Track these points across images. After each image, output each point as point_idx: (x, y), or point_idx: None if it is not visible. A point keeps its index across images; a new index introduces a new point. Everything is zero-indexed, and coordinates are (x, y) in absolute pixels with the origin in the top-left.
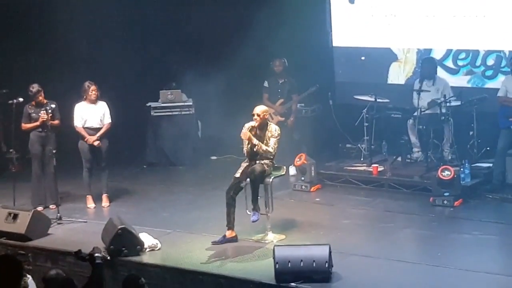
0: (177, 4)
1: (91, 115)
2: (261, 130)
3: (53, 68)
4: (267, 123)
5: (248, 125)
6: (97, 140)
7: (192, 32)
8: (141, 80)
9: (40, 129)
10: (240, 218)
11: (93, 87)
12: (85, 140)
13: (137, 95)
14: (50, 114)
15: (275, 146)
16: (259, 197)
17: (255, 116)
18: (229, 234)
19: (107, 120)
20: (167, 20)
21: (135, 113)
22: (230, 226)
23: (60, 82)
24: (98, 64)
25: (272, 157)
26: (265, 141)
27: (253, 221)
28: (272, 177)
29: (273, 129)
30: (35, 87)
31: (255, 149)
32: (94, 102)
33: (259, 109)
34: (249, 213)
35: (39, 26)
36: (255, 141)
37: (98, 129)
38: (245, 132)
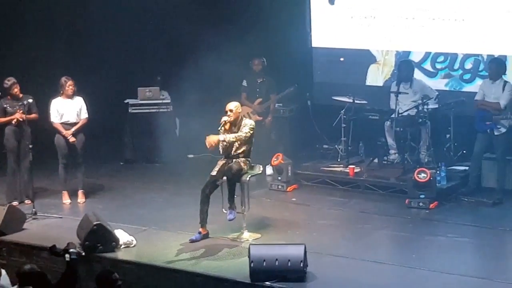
0: (158, 2)
1: (68, 110)
2: (235, 126)
3: (31, 62)
4: (241, 118)
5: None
6: (72, 136)
7: (172, 30)
8: (120, 77)
9: (15, 124)
10: (216, 217)
11: (70, 82)
12: (62, 135)
13: (115, 91)
14: (25, 113)
15: (248, 133)
16: (235, 196)
17: (229, 112)
18: (202, 231)
19: (84, 115)
20: (147, 17)
21: (113, 109)
22: (203, 223)
23: (38, 77)
24: (77, 60)
25: (245, 138)
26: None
27: (230, 220)
28: (249, 176)
29: (248, 122)
30: (10, 80)
31: (225, 143)
32: (70, 97)
33: (232, 104)
34: (225, 211)
35: (18, 21)
36: (221, 137)
37: (75, 124)
38: (210, 141)
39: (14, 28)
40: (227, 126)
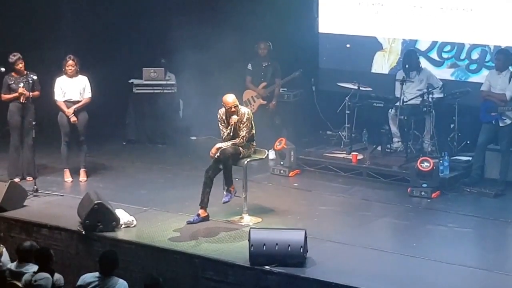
0: None
1: (71, 88)
2: (231, 117)
3: (37, 40)
4: (238, 107)
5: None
6: (74, 115)
7: (178, 11)
8: (125, 56)
9: (20, 100)
10: (217, 199)
11: (69, 62)
12: (64, 113)
13: (120, 71)
14: (28, 90)
15: (246, 131)
16: (236, 179)
17: (232, 109)
18: (202, 213)
19: (87, 94)
20: None
21: (117, 89)
22: (203, 205)
23: (44, 55)
24: (82, 38)
25: (244, 142)
26: (237, 125)
27: (224, 202)
28: (247, 160)
29: (243, 112)
30: (16, 55)
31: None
32: (73, 76)
33: (231, 98)
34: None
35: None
36: (218, 145)
37: (78, 103)
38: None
39: (20, 7)
40: (234, 122)
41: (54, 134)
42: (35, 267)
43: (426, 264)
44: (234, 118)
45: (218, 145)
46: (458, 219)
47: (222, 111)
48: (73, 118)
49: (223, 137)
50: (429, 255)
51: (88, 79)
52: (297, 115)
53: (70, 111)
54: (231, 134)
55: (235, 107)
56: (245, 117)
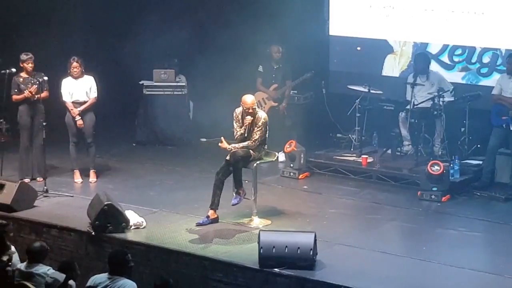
0: None
1: (77, 89)
2: (254, 117)
3: (47, 41)
4: (256, 110)
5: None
6: (80, 118)
7: (190, 14)
8: (136, 58)
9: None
10: (227, 201)
11: (74, 64)
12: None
13: (131, 72)
14: (36, 89)
15: (260, 134)
16: (245, 181)
17: (250, 110)
18: (211, 214)
19: (93, 94)
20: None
21: (127, 90)
22: (214, 207)
23: (54, 55)
24: (93, 39)
25: (255, 145)
26: (252, 128)
27: (232, 204)
28: (256, 163)
29: (259, 116)
30: (28, 54)
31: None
32: (79, 77)
33: (249, 100)
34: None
35: (37, 2)
36: (229, 146)
37: (85, 103)
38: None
39: (30, 8)
40: (248, 122)
41: (64, 135)
42: (44, 268)
43: (436, 268)
44: (248, 118)
45: (231, 146)
46: (468, 223)
47: (239, 110)
48: (79, 122)
49: (236, 136)
50: (439, 259)
51: (94, 78)
52: (307, 117)
53: (75, 111)
54: (245, 134)
55: (253, 109)
56: (261, 121)
